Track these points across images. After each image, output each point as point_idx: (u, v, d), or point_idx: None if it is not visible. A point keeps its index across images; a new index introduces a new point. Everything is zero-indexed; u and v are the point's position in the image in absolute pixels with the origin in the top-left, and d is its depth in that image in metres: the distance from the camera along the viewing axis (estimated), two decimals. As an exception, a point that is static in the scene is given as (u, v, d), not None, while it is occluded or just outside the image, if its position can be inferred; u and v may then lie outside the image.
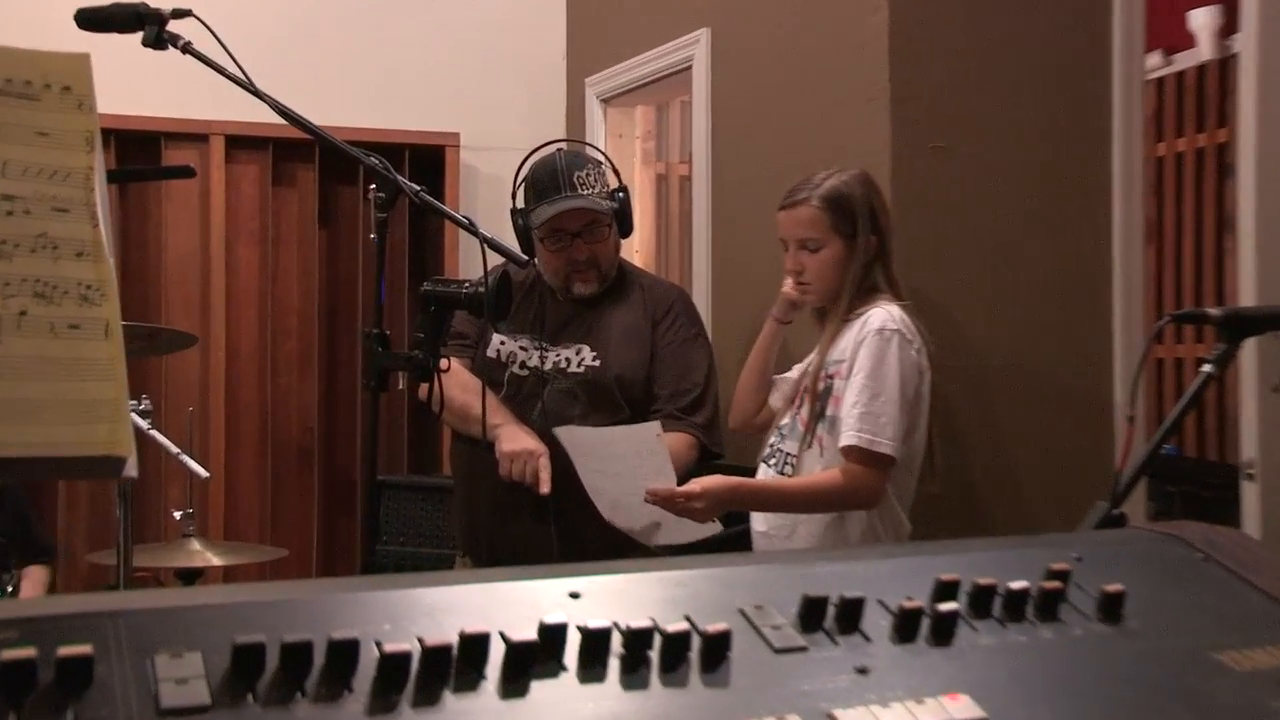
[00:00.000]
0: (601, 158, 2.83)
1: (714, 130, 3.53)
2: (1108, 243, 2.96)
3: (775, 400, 2.54)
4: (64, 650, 0.68)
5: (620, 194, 2.73)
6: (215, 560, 3.15)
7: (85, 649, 0.68)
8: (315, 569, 4.13)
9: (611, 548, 2.56)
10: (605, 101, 4.20)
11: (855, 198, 2.32)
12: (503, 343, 2.70)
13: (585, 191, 2.67)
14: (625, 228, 2.75)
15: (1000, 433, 2.88)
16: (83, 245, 0.93)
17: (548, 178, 2.68)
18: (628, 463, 2.30)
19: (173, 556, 3.17)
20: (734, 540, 2.82)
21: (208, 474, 2.87)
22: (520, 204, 2.73)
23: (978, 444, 2.86)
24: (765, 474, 2.40)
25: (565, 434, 2.43)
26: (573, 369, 2.66)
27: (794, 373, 2.51)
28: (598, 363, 2.67)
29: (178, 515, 3.22)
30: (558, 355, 2.68)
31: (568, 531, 2.55)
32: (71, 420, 0.90)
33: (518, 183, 2.74)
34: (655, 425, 2.30)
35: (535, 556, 2.56)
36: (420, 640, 0.75)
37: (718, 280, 3.52)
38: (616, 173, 2.81)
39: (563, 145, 2.82)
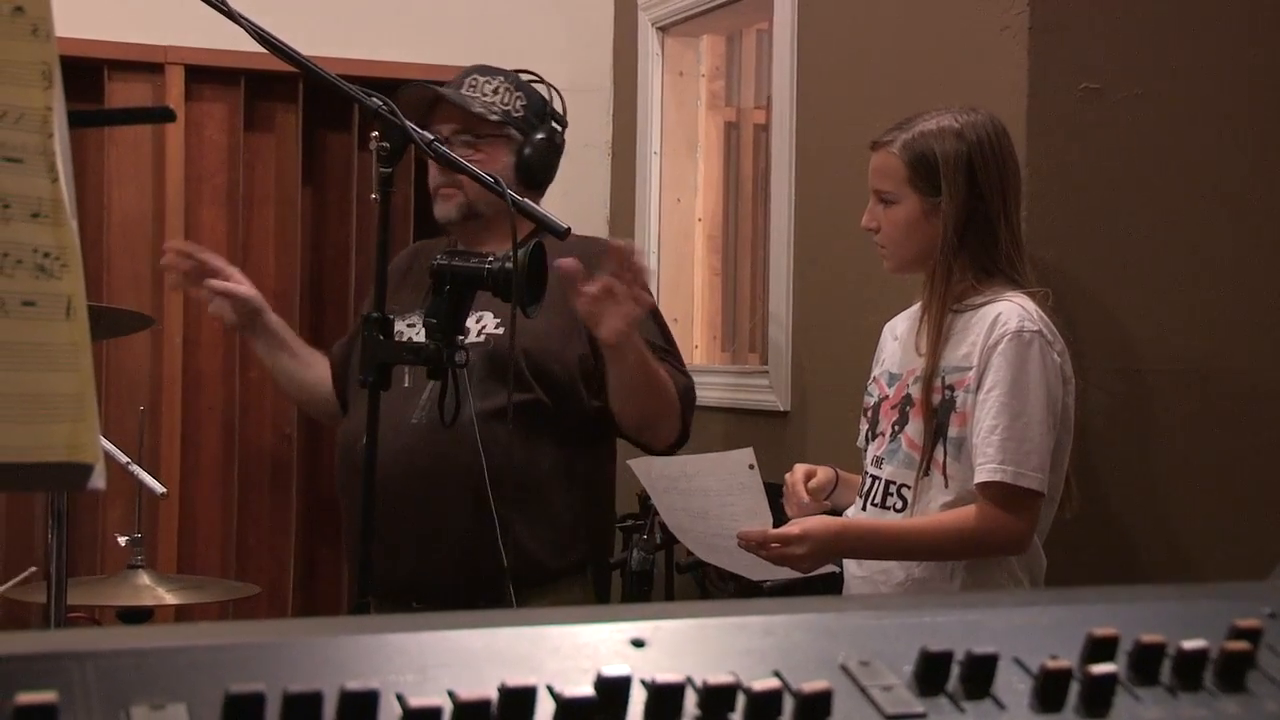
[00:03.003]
0: (545, 92, 2.92)
1: (800, 66, 3.54)
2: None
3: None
4: (23, 698, 0.71)
5: (539, 135, 2.82)
6: (168, 598, 3.21)
7: (49, 697, 0.71)
8: (292, 610, 4.19)
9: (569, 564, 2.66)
10: (663, 30, 4.22)
11: (944, 151, 2.35)
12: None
13: (470, 93, 2.78)
14: (529, 173, 2.83)
15: (1162, 454, 2.87)
16: (40, 204, 0.96)
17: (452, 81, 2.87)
18: (715, 500, 2.35)
19: (115, 593, 3.23)
20: (820, 584, 2.84)
21: (164, 490, 2.92)
22: None
23: (1132, 468, 2.85)
24: (870, 513, 2.42)
25: (641, 466, 2.50)
26: (471, 339, 2.69)
27: (879, 368, 2.52)
28: (501, 330, 2.69)
29: (123, 541, 3.29)
30: None
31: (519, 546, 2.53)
32: (24, 418, 0.93)
33: None
34: (747, 453, 2.34)
35: (441, 587, 2.58)
36: (452, 694, 0.77)
37: (802, 262, 3.53)
38: (553, 114, 2.89)
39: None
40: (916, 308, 2.52)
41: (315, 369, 2.93)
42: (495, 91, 2.81)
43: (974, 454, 2.28)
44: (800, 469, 2.45)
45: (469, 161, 2.72)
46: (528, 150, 2.81)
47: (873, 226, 2.44)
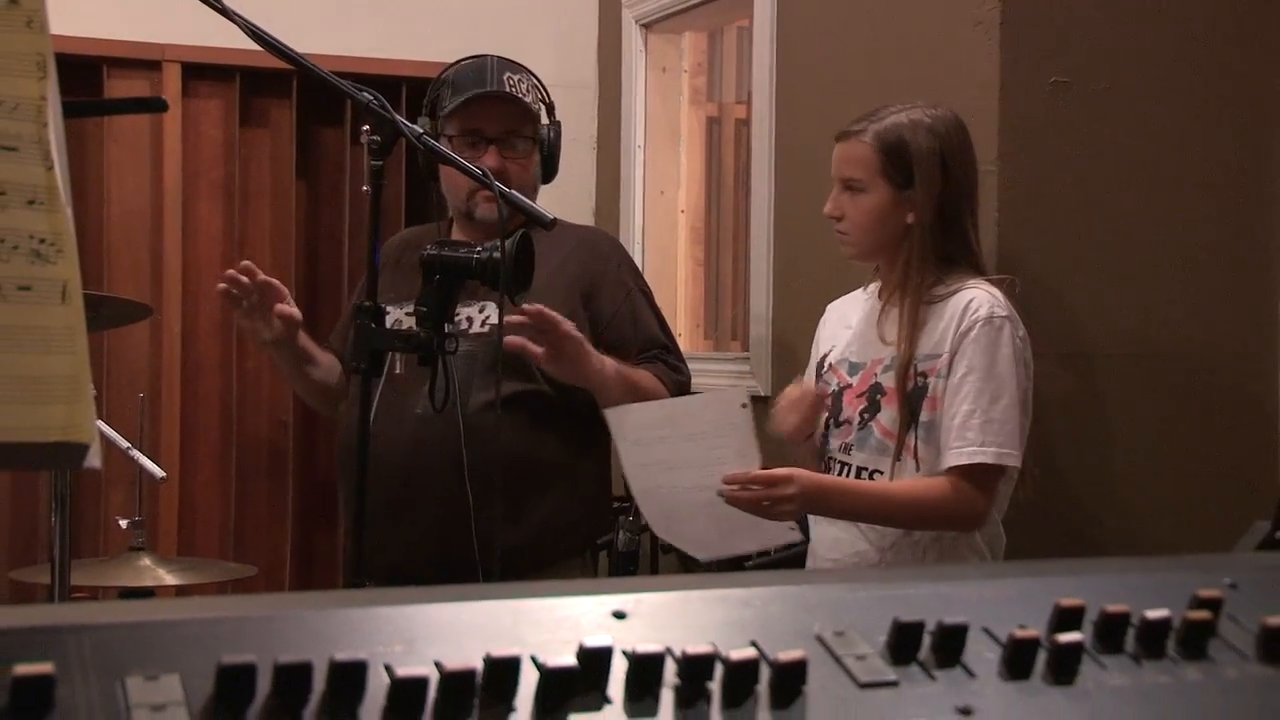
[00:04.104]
0: (541, 86, 2.89)
1: (779, 62, 3.53)
2: (1276, 209, 2.95)
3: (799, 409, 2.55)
4: (21, 669, 0.70)
5: (551, 130, 2.80)
6: (168, 579, 3.20)
7: (46, 668, 0.71)
8: (288, 591, 4.18)
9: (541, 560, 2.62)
10: (646, 27, 4.21)
11: (917, 144, 2.35)
12: (387, 312, 2.71)
13: (514, 93, 2.75)
14: (549, 168, 2.81)
15: (1121, 437, 2.89)
16: (35, 191, 0.96)
17: (473, 73, 2.77)
18: (702, 444, 2.27)
19: (117, 574, 3.23)
20: (786, 565, 2.83)
21: (163, 474, 2.91)
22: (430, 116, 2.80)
23: (1085, 448, 2.87)
24: None
25: (617, 415, 2.39)
26: (475, 329, 2.67)
27: (834, 354, 2.51)
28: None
29: (124, 524, 3.28)
30: (457, 314, 2.66)
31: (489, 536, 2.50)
32: (20, 399, 0.92)
33: (430, 92, 2.82)
34: (741, 393, 2.30)
35: (444, 571, 2.56)
36: (439, 664, 0.77)
37: (782, 252, 3.53)
38: (550, 109, 2.86)
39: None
40: (863, 293, 2.53)
41: (333, 371, 2.91)
42: (527, 91, 2.78)
43: (947, 436, 2.28)
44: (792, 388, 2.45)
45: (514, 163, 2.71)
46: (547, 146, 2.79)
47: (836, 214, 2.43)
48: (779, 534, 2.32)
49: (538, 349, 2.46)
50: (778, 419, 2.49)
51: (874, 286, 2.50)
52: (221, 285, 2.58)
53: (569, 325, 2.47)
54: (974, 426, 2.25)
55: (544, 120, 2.81)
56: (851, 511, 2.36)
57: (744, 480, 2.21)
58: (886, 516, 2.33)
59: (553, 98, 2.89)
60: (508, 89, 2.74)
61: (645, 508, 2.39)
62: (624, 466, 2.38)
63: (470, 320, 2.70)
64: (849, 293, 2.62)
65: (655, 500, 2.37)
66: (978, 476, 2.26)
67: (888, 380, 2.36)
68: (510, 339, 2.44)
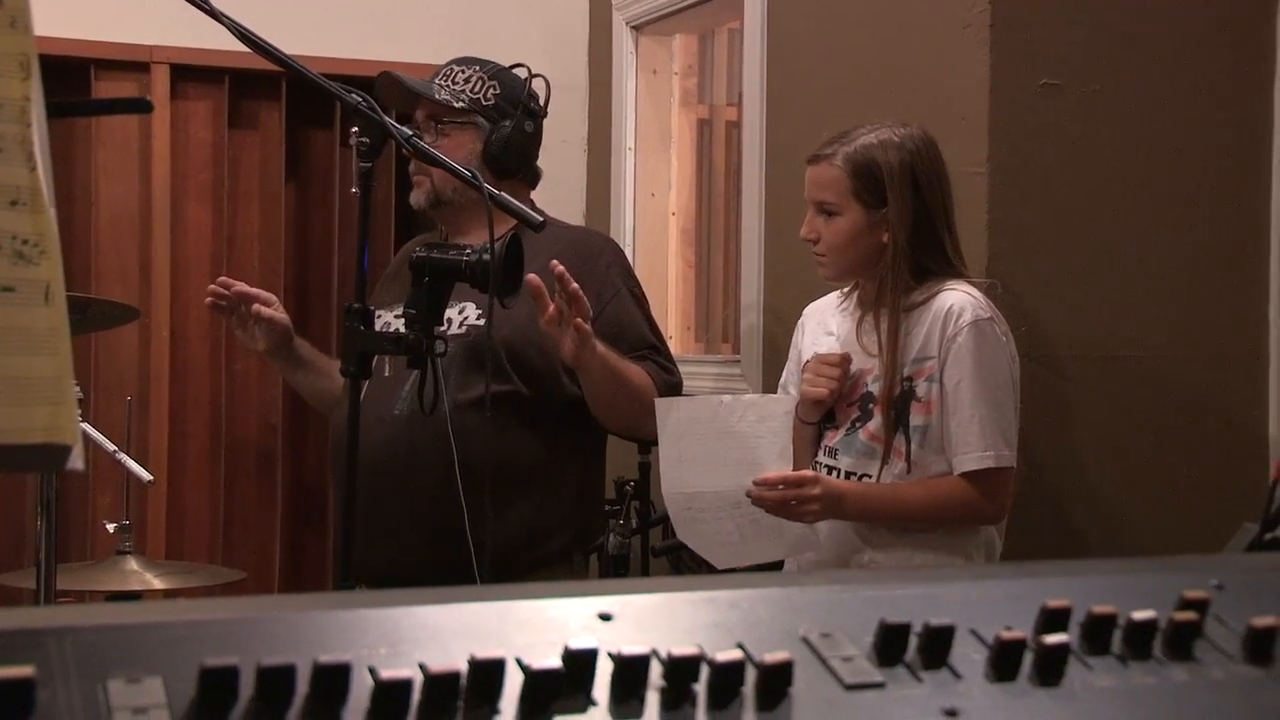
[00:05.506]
0: (534, 83, 2.86)
1: (770, 65, 3.54)
2: (1266, 214, 2.97)
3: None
4: (1, 672, 0.70)
5: (506, 122, 2.77)
6: (156, 583, 3.20)
7: (26, 671, 0.71)
8: (277, 594, 4.18)
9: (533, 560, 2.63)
10: (637, 29, 4.21)
11: (888, 164, 2.37)
12: (379, 316, 2.70)
13: (439, 82, 2.77)
14: (495, 161, 2.76)
15: (1111, 439, 2.89)
16: (17, 192, 0.96)
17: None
18: (739, 441, 2.30)
19: (104, 578, 3.22)
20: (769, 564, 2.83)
21: (151, 478, 2.91)
22: None
23: (1078, 452, 2.87)
24: None
25: (664, 406, 2.41)
26: (454, 330, 2.66)
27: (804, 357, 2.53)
28: (482, 320, 2.65)
29: (111, 528, 3.27)
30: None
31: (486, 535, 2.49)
32: (4, 401, 0.92)
33: None
34: (789, 400, 2.30)
35: (424, 573, 2.55)
36: (423, 667, 0.77)
37: (772, 252, 3.53)
38: (528, 104, 2.83)
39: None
40: (840, 297, 2.55)
41: (337, 378, 2.90)
42: (468, 80, 2.78)
43: (953, 442, 2.32)
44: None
45: (437, 148, 2.70)
46: (493, 137, 2.78)
47: (812, 238, 2.45)
48: (799, 543, 2.34)
49: (549, 304, 2.42)
50: (816, 382, 2.45)
51: (853, 293, 2.51)
52: (208, 300, 2.61)
53: (576, 288, 2.44)
54: (980, 432, 2.30)
55: (500, 110, 2.79)
56: (871, 514, 2.38)
57: (776, 479, 2.26)
58: (908, 519, 2.37)
59: (540, 97, 2.87)
60: (437, 80, 2.78)
61: (671, 507, 2.41)
62: (660, 460, 2.40)
63: (449, 321, 2.69)
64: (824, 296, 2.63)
65: (683, 499, 2.38)
66: (991, 478, 2.32)
67: (878, 390, 2.38)
68: (532, 277, 2.41)
